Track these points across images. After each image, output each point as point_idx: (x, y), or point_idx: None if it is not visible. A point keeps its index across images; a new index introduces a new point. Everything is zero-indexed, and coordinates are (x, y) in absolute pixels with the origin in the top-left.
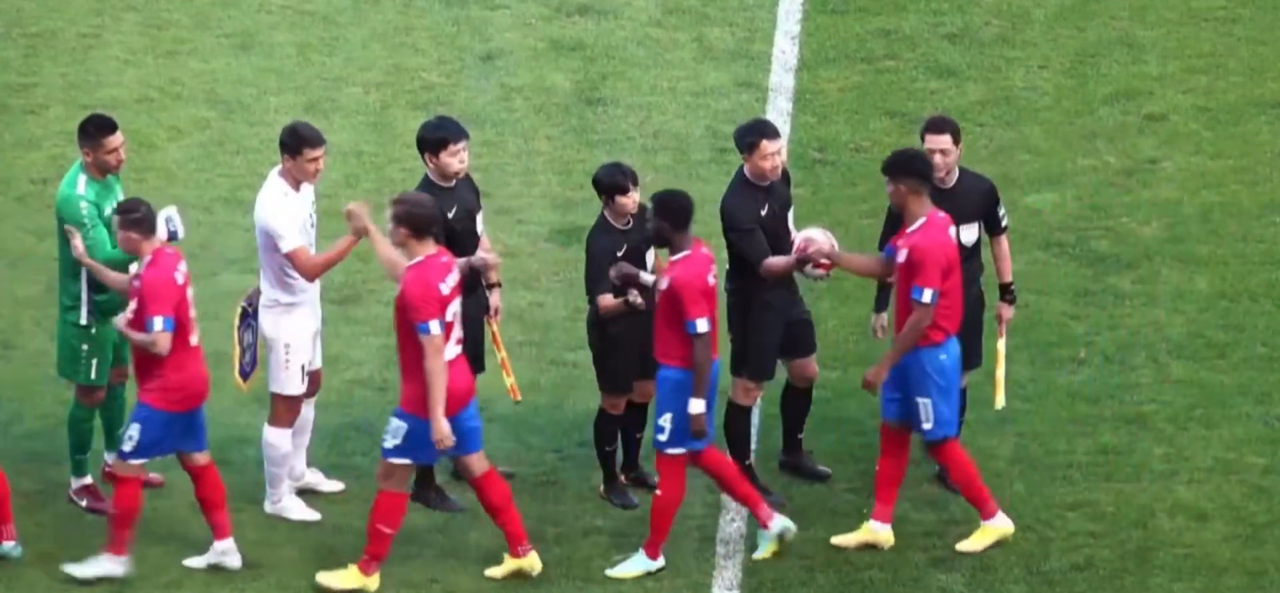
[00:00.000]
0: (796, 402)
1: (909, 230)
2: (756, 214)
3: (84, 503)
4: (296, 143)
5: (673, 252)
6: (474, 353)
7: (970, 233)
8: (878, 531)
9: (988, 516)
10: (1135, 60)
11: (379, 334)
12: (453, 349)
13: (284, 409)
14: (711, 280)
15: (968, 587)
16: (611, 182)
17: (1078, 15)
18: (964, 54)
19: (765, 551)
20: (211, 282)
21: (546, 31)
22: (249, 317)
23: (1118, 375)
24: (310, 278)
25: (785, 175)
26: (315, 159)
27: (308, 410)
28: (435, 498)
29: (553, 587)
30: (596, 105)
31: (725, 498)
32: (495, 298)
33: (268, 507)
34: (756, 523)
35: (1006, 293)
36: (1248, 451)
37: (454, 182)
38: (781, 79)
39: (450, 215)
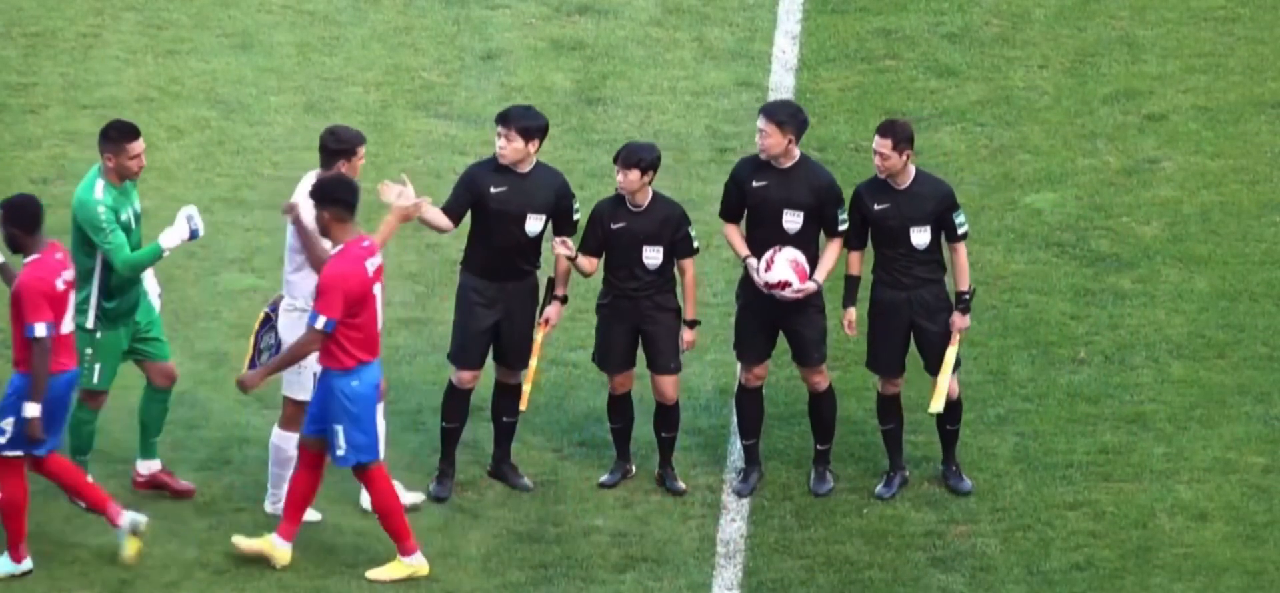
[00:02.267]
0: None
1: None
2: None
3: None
4: (350, 145)
5: (26, 255)
6: (522, 352)
7: (921, 236)
8: (278, 546)
9: (406, 552)
10: (1135, 60)
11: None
12: None
13: (296, 413)
14: (61, 286)
15: (968, 587)
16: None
17: (1078, 15)
18: (964, 54)
19: (127, 549)
20: (211, 281)
21: (546, 31)
22: (271, 321)
23: (1118, 375)
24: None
25: None
26: (361, 159)
27: None
28: (512, 474)
29: (553, 587)
30: (596, 105)
31: (726, 498)
32: (552, 309)
33: (268, 506)
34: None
35: (960, 302)
36: (1248, 450)
37: (514, 166)
38: (781, 79)
39: (493, 189)
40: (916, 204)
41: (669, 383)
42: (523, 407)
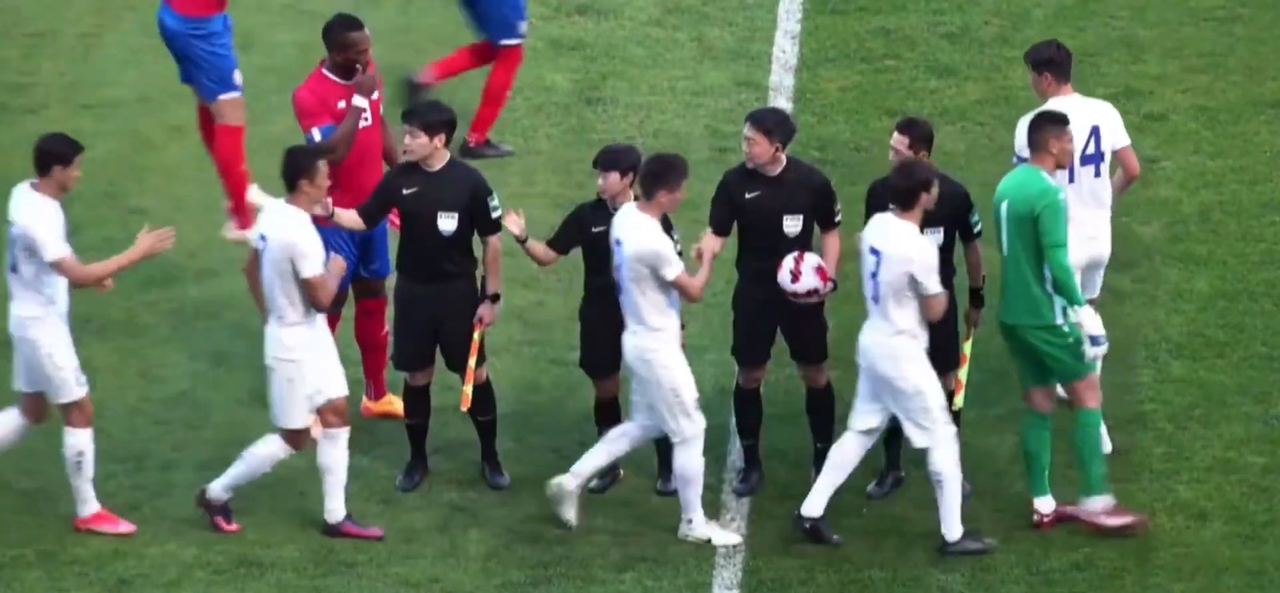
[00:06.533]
0: None
1: None
2: None
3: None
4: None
5: None
6: (463, 355)
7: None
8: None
9: None
10: (1135, 60)
11: None
12: None
13: None
14: None
15: (968, 586)
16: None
17: (1078, 15)
18: (964, 54)
19: None
20: (212, 282)
21: (546, 31)
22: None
23: (1118, 375)
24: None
25: None
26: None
27: None
28: (489, 471)
29: (552, 587)
30: (596, 105)
31: (726, 498)
32: (486, 309)
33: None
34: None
35: (975, 297)
36: (1248, 450)
37: (424, 164)
38: (781, 79)
39: (405, 190)
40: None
41: None
42: (463, 407)
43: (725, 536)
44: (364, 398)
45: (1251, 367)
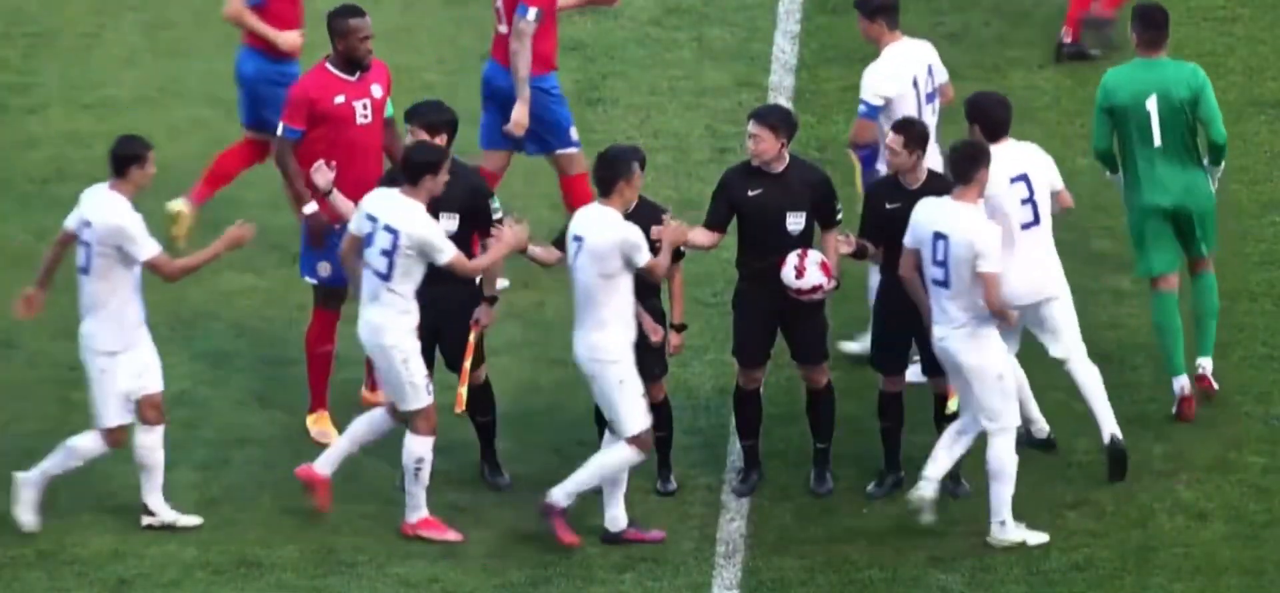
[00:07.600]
0: None
1: None
2: None
3: None
4: None
5: None
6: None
7: None
8: None
9: None
10: None
11: None
12: None
13: None
14: None
15: (967, 587)
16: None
17: None
18: (964, 54)
19: None
20: (211, 282)
21: None
22: None
23: (1118, 375)
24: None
25: None
26: None
27: None
28: (489, 471)
29: (552, 587)
30: (596, 105)
31: (726, 498)
32: (482, 311)
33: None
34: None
35: None
36: (1248, 450)
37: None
38: (781, 79)
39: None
40: None
41: (654, 388)
42: (458, 410)
43: (1036, 536)
44: (364, 387)
45: (1251, 367)
